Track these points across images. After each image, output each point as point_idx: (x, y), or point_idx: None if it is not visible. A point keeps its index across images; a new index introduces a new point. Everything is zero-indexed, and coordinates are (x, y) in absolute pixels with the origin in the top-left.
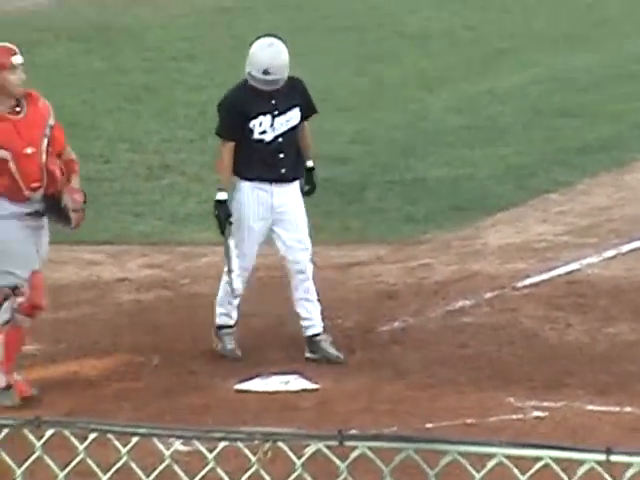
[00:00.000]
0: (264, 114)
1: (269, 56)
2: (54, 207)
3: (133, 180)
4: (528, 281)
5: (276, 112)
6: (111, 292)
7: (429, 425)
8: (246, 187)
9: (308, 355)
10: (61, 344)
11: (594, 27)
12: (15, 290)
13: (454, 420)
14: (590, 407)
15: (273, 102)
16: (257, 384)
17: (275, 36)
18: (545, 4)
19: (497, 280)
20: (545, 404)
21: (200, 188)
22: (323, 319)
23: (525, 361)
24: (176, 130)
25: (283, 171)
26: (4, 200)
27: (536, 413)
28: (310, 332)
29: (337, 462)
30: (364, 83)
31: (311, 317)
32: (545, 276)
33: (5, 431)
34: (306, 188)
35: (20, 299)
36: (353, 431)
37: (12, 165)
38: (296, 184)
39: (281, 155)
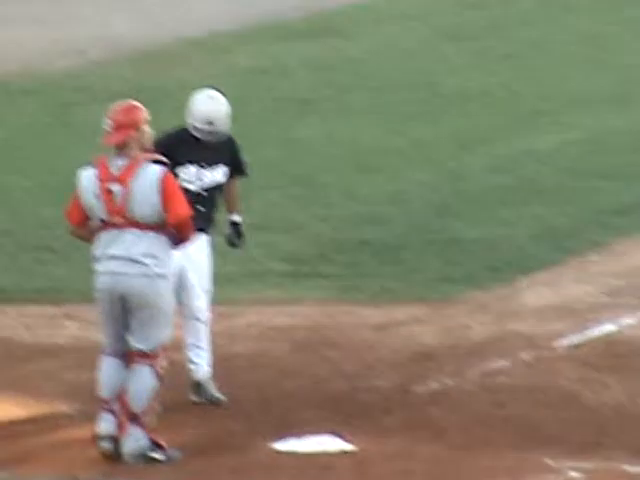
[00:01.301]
0: (191, 163)
1: (212, 108)
2: None
3: None
4: (565, 342)
5: (203, 164)
6: None
7: None
8: None
9: (193, 398)
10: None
11: (632, 87)
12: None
13: None
14: (627, 468)
15: (203, 154)
16: (294, 444)
17: (216, 89)
18: (583, 64)
19: (534, 340)
20: (582, 465)
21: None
22: (211, 366)
23: (562, 422)
24: None
25: (196, 223)
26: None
27: (573, 474)
28: (196, 377)
29: None
30: (401, 143)
31: (199, 362)
32: (582, 337)
33: None
34: (233, 241)
35: (164, 362)
36: None
37: None
38: (204, 235)
39: (201, 208)
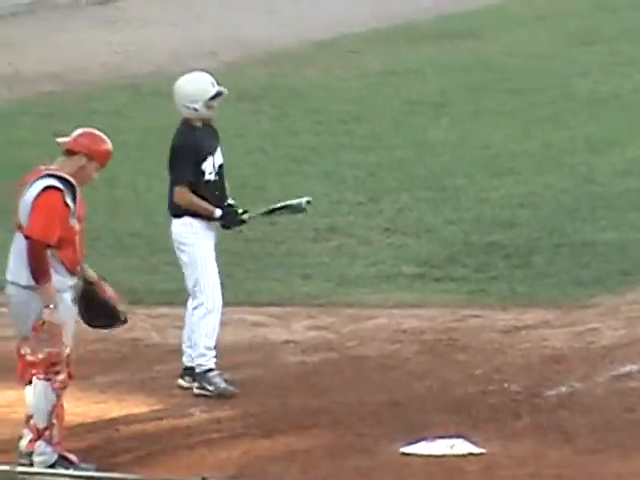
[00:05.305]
0: (210, 154)
1: (198, 86)
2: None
3: (300, 242)
4: None
5: (212, 151)
6: (277, 354)
7: None
8: (199, 224)
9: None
10: (227, 406)
11: None
12: (54, 367)
13: None
14: None
15: (210, 141)
16: (423, 447)
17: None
18: None
19: None
20: None
21: (368, 251)
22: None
23: None
24: (344, 192)
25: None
26: (66, 273)
27: None
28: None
29: None
30: (533, 146)
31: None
32: None
33: None
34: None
35: (61, 377)
36: None
37: (77, 236)
38: None
39: (217, 193)
